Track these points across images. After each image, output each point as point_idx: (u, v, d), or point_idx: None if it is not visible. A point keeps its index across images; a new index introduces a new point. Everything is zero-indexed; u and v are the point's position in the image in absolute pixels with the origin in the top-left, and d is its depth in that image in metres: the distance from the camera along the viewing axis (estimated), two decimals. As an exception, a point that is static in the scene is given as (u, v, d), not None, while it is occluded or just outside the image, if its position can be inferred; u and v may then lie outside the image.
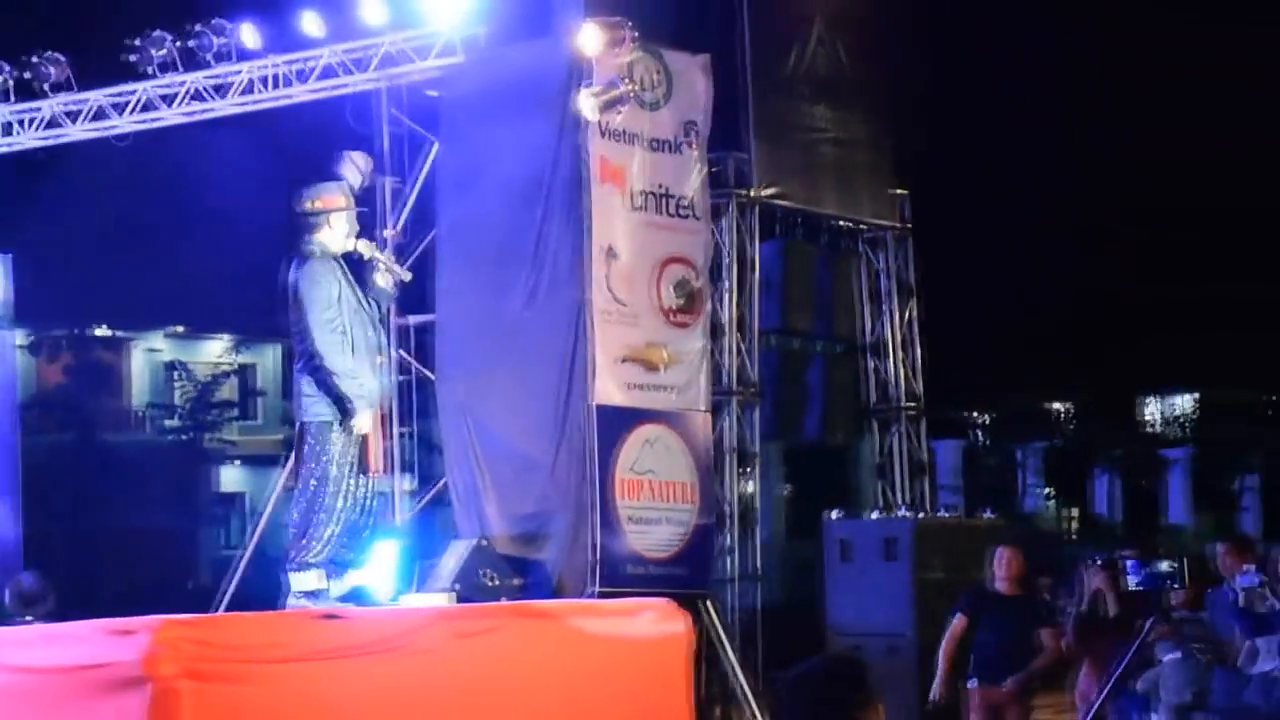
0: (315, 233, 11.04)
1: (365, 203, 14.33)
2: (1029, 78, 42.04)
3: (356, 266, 11.16)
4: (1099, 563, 14.12)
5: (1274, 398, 52.97)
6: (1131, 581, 12.69)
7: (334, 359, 10.85)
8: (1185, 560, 12.63)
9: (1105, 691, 12.98)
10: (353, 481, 10.97)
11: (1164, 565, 12.55)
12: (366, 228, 13.45)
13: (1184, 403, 54.43)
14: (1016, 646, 13.80)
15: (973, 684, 13.94)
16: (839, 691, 5.50)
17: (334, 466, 10.88)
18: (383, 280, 11.30)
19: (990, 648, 13.85)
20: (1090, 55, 42.78)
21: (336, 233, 11.09)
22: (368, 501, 11.07)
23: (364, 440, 10.94)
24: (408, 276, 12.25)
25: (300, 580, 10.87)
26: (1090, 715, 12.89)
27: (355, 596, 11.18)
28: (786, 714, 5.54)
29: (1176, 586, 12.56)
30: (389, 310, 13.50)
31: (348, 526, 10.98)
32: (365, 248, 11.22)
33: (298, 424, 11.07)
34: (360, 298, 11.05)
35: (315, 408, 10.90)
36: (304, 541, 10.89)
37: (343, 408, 10.88)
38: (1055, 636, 13.86)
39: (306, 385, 10.92)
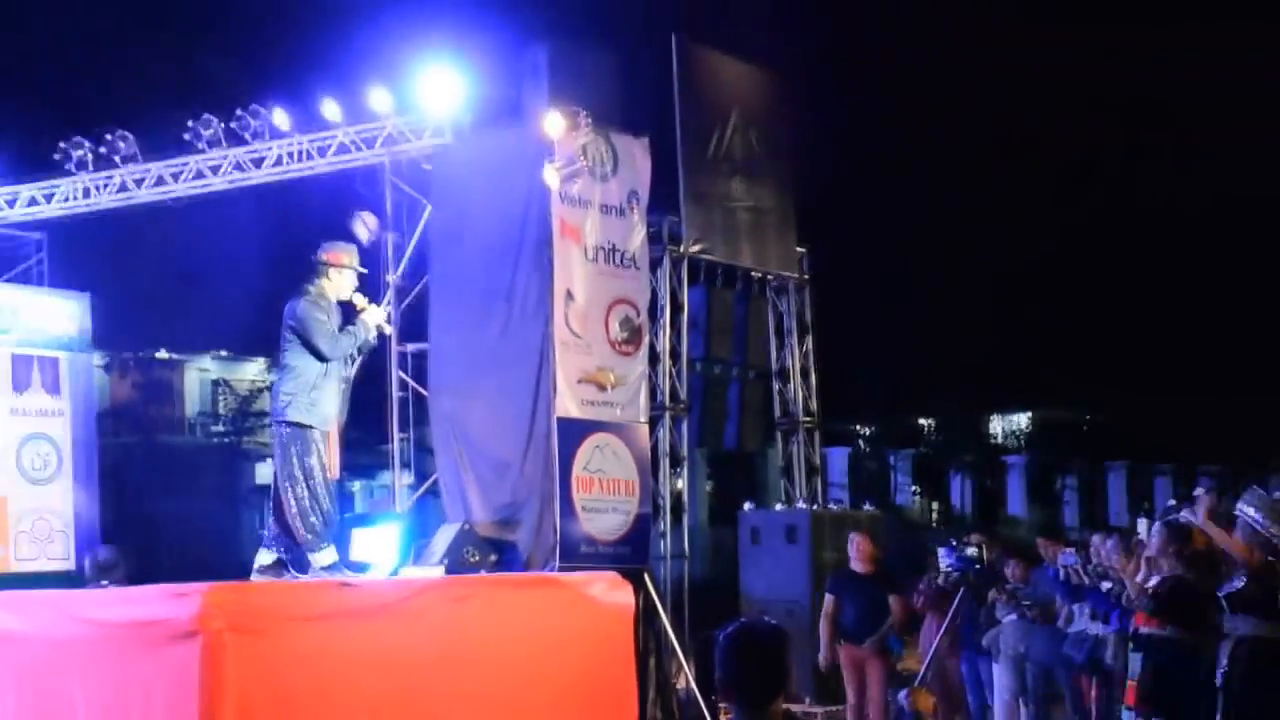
0: (320, 279, 11.00)
1: (372, 256, 14.31)
2: (910, 153, 42.35)
3: (348, 313, 11.14)
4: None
5: (1089, 416, 53.85)
6: (943, 563, 13.01)
7: (342, 344, 10.87)
8: (983, 547, 13.08)
9: (940, 637, 13.21)
10: (324, 475, 10.82)
11: (970, 551, 12.88)
12: (374, 275, 13.45)
13: (1020, 420, 55.10)
14: (872, 613, 13.98)
15: (841, 645, 14.08)
16: (778, 654, 5.44)
17: (314, 460, 10.70)
18: (365, 325, 11.25)
19: (852, 616, 14.04)
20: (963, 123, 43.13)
21: (335, 284, 11.05)
22: (332, 492, 10.97)
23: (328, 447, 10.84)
24: (389, 330, 12.29)
25: (319, 558, 10.78)
26: (930, 657, 13.16)
27: (362, 569, 11.11)
28: (731, 662, 5.43)
29: (978, 567, 12.88)
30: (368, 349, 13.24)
31: (330, 511, 10.88)
32: (361, 301, 11.20)
33: (277, 424, 10.79)
34: None
35: (290, 411, 10.70)
36: (308, 524, 10.75)
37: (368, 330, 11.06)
38: (900, 602, 14.02)
39: (287, 387, 10.71)
